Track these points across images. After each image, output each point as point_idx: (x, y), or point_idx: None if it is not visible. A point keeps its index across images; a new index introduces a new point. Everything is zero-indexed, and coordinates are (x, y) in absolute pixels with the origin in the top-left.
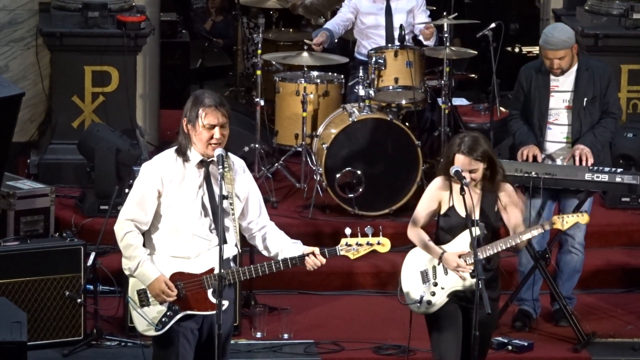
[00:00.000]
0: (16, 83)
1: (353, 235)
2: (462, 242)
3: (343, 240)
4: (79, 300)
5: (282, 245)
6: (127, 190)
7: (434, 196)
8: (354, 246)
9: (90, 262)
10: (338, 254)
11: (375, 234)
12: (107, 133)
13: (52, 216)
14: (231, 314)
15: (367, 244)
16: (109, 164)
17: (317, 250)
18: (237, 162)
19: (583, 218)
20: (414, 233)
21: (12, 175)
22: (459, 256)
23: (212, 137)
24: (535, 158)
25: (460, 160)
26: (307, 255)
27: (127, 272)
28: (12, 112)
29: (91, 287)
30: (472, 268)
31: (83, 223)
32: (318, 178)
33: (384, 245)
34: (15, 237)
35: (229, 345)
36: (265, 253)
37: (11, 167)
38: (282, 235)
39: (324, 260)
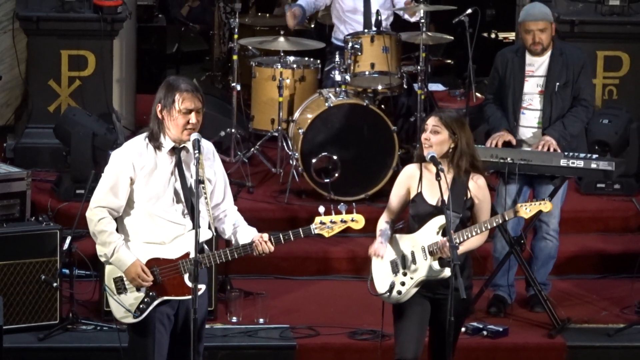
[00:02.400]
0: None
1: (327, 213)
2: (429, 230)
3: (317, 219)
4: (54, 284)
5: (235, 230)
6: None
7: (403, 183)
8: (328, 224)
9: (66, 246)
10: (312, 232)
11: (348, 212)
12: (83, 117)
13: (28, 200)
14: (206, 299)
15: (341, 221)
16: (85, 148)
17: (265, 236)
18: (207, 146)
19: (545, 206)
20: (379, 221)
21: None
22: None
23: (188, 122)
24: (509, 143)
25: (431, 120)
26: (255, 242)
27: (102, 259)
28: None
29: (67, 271)
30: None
31: (59, 207)
32: (294, 163)
33: (357, 221)
34: None
35: (204, 329)
36: (222, 236)
37: None
38: (239, 220)
39: (272, 248)
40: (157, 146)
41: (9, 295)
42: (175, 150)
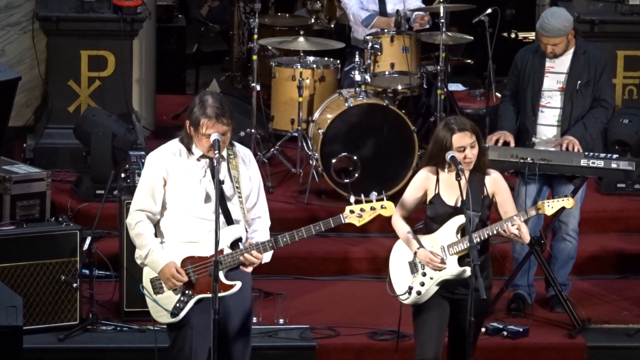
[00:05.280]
0: (12, 67)
1: (357, 202)
2: (448, 230)
3: (347, 208)
4: (74, 284)
5: (251, 237)
6: (122, 175)
7: (420, 185)
8: (357, 212)
9: (86, 246)
10: (343, 221)
11: (379, 199)
12: (103, 118)
13: (48, 200)
14: (246, 296)
15: (371, 208)
16: (105, 148)
17: (253, 244)
18: (243, 151)
19: (568, 202)
20: (397, 222)
21: (8, 159)
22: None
23: (211, 145)
24: (507, 144)
25: (462, 138)
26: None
27: (138, 261)
28: (9, 97)
29: (87, 271)
30: (444, 266)
31: (79, 207)
32: (314, 163)
33: (387, 208)
34: (11, 221)
35: (251, 322)
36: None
37: (7, 152)
38: (260, 230)
39: (259, 257)
40: (189, 151)
41: (29, 295)
42: (207, 156)
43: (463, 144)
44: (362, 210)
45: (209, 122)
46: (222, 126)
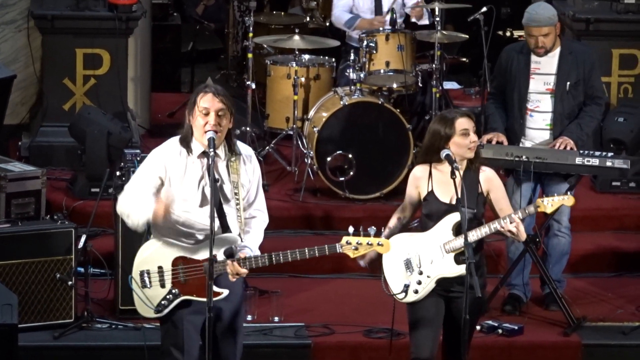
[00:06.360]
0: (7, 65)
1: (356, 234)
2: (444, 227)
3: (344, 238)
4: (70, 282)
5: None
6: (117, 173)
7: (412, 184)
8: (354, 244)
9: (81, 244)
10: (338, 250)
11: (377, 235)
12: (98, 116)
13: (43, 198)
14: (237, 292)
15: (367, 243)
16: (100, 146)
17: (243, 254)
18: (245, 151)
19: (568, 200)
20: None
21: (4, 157)
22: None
23: (207, 124)
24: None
25: (466, 122)
26: (228, 263)
27: (136, 223)
28: (4, 95)
29: (82, 269)
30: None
31: (74, 205)
32: (309, 161)
33: (383, 246)
34: (6, 219)
35: (241, 322)
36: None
37: (2, 150)
38: (252, 232)
39: (242, 271)
40: (189, 150)
41: (24, 293)
42: (206, 154)
43: (468, 126)
44: (358, 243)
45: (204, 95)
46: (218, 102)
